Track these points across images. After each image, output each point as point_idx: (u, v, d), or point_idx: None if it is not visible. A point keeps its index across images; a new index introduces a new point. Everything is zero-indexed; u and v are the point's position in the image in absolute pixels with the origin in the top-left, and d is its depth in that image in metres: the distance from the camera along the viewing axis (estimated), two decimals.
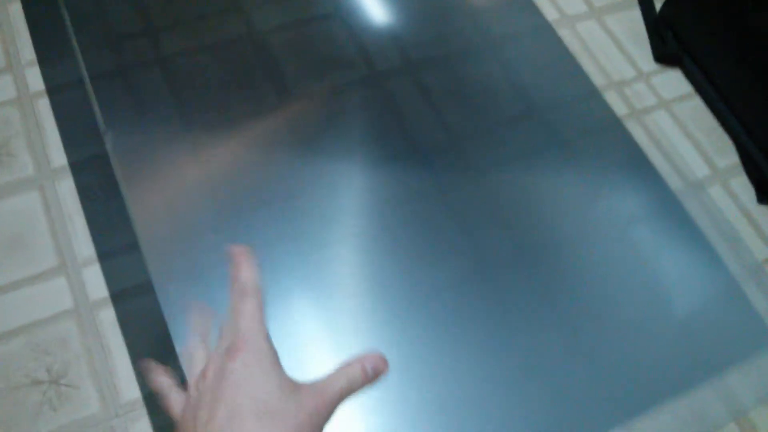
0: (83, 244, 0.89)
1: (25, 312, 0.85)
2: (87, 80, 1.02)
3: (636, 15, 1.19)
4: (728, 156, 1.07)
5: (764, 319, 0.94)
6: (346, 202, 0.97)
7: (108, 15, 1.09)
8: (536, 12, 1.17)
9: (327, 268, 0.91)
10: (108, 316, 0.85)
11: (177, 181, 0.96)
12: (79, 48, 1.05)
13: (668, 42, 1.14)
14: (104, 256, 0.89)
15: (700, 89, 1.12)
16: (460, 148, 1.03)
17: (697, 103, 1.11)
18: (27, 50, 1.04)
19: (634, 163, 1.05)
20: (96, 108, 1.00)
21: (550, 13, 1.17)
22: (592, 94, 1.10)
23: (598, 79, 1.11)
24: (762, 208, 1.03)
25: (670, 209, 1.01)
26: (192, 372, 0.50)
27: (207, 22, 1.10)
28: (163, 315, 0.85)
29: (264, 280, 0.89)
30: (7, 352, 0.82)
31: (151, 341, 0.84)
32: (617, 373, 0.88)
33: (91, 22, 1.08)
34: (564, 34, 1.15)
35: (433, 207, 0.98)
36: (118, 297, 0.86)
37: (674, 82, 1.13)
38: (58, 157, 0.96)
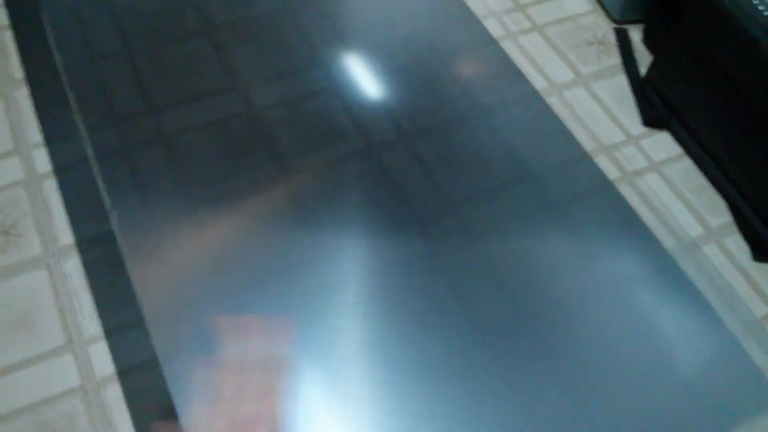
0: (90, 321, 0.91)
1: (32, 390, 0.85)
2: (92, 160, 1.05)
3: (622, 81, 1.23)
4: (721, 215, 1.09)
5: (766, 375, 0.95)
6: (345, 272, 0.99)
7: (111, 96, 1.13)
8: (524, 81, 1.21)
9: (327, 338, 0.92)
10: (114, 392, 0.86)
11: (180, 255, 0.98)
12: (84, 129, 1.08)
13: (655, 106, 1.18)
14: (110, 332, 0.90)
15: (689, 150, 1.15)
16: (455, 214, 1.05)
17: (687, 164, 1.14)
18: (33, 133, 1.08)
19: (628, 225, 1.07)
20: (101, 187, 1.03)
21: (537, 82, 1.21)
22: (583, 159, 1.13)
23: (588, 144, 1.14)
24: (758, 265, 1.05)
25: (666, 269, 1.03)
26: None
27: (206, 100, 1.14)
28: (168, 390, 0.85)
29: (266, 350, 0.90)
30: (14, 430, 0.83)
31: (156, 416, 0.85)
32: None
33: (95, 104, 1.12)
34: (552, 101, 1.19)
35: (430, 274, 0.99)
36: (124, 373, 0.87)
37: (663, 144, 1.16)
38: (65, 235, 0.98)
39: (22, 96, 1.11)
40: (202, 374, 0.87)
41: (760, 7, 0.97)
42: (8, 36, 1.19)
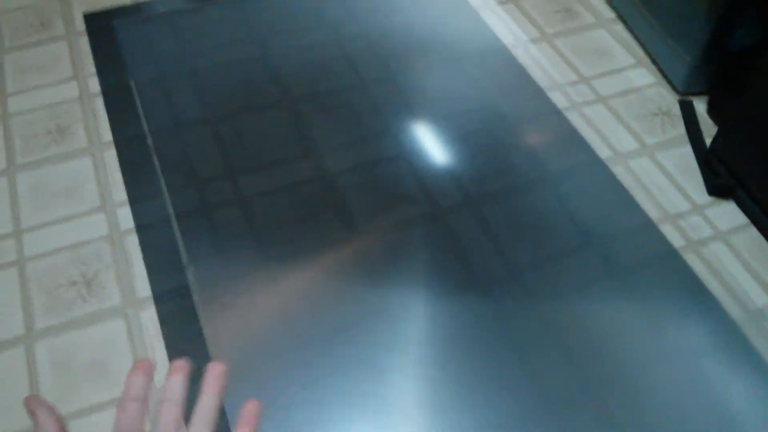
0: (161, 371, 0.95)
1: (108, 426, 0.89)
2: (173, 218, 1.11)
3: (687, 150, 1.24)
4: None
5: None
6: (409, 332, 1.00)
7: (193, 160, 1.20)
8: (589, 150, 1.23)
9: (390, 396, 0.94)
10: None
11: (250, 311, 1.02)
12: (166, 189, 1.15)
13: (721, 175, 1.18)
14: None
15: (755, 220, 1.14)
16: (519, 280, 1.06)
17: (753, 234, 1.13)
18: (119, 191, 1.15)
19: (694, 294, 1.06)
20: (180, 244, 1.08)
21: (602, 152, 1.23)
22: (648, 227, 1.13)
23: (653, 213, 1.15)
24: None
25: (733, 339, 1.02)
26: None
27: (282, 165, 1.20)
28: None
29: (330, 405, 0.92)
30: None
31: None
32: None
33: (177, 166, 1.19)
34: (617, 170, 1.20)
35: (493, 338, 1.00)
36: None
37: (729, 213, 1.16)
38: (143, 288, 1.03)
39: (111, 157, 1.19)
40: (265, 426, 0.89)
41: None
42: (99, 102, 1.28)
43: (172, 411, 0.48)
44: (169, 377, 0.49)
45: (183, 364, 0.50)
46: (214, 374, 0.50)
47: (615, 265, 1.09)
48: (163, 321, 1.00)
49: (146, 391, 0.48)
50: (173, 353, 0.96)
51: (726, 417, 0.94)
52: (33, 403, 0.46)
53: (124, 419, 0.45)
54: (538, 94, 1.33)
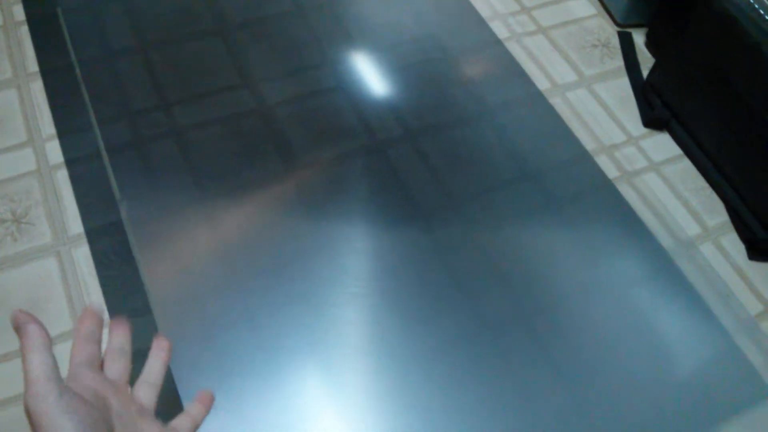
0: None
1: None
2: (104, 152, 1.08)
3: (624, 83, 1.25)
4: (718, 215, 1.11)
5: (761, 373, 0.96)
6: (350, 265, 1.01)
7: (124, 90, 1.16)
8: (528, 82, 1.23)
9: (331, 329, 0.95)
10: None
11: (187, 246, 1.00)
12: (96, 122, 1.11)
13: (656, 107, 1.19)
14: None
15: (688, 152, 1.17)
16: (458, 211, 1.07)
17: (686, 165, 1.16)
18: (47, 125, 1.11)
19: (627, 224, 1.08)
20: (112, 179, 1.05)
21: (541, 83, 1.23)
22: (584, 158, 1.15)
23: (589, 144, 1.16)
24: (753, 263, 1.06)
25: (664, 268, 1.05)
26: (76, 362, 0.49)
27: (218, 96, 1.17)
28: (173, 377, 0.88)
29: (271, 340, 0.92)
30: None
31: (160, 401, 0.87)
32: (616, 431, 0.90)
33: (108, 98, 1.15)
34: (555, 102, 1.21)
35: (433, 268, 1.01)
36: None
37: (663, 145, 1.18)
38: (75, 225, 1.01)
39: (37, 89, 1.14)
40: (206, 361, 0.89)
41: (764, 14, 0.99)
42: (24, 30, 1.22)
43: (122, 360, 0.49)
44: (113, 331, 0.51)
45: (124, 321, 0.54)
46: (161, 346, 0.55)
47: (551, 196, 1.10)
48: (97, 259, 0.98)
49: (99, 334, 0.48)
50: (108, 292, 0.95)
51: (656, 344, 0.97)
52: (22, 318, 0.44)
53: (80, 353, 0.46)
54: (479, 23, 1.32)
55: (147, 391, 0.51)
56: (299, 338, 0.93)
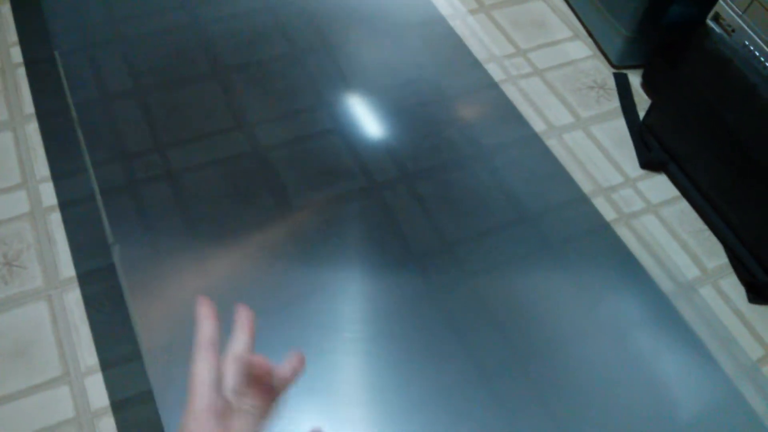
0: (87, 354, 0.92)
1: (28, 420, 0.86)
2: (98, 195, 1.07)
3: (621, 124, 1.25)
4: (717, 257, 1.10)
5: (763, 419, 0.94)
6: (344, 309, 0.99)
7: (120, 133, 1.16)
8: (524, 124, 1.23)
9: (326, 376, 0.93)
10: (108, 424, 0.86)
11: (180, 291, 0.99)
12: (91, 164, 1.11)
13: (653, 149, 1.19)
14: (107, 365, 0.91)
15: (686, 193, 1.16)
16: (453, 254, 1.06)
17: (683, 207, 1.15)
18: (41, 167, 1.10)
19: (625, 266, 1.07)
20: (105, 222, 1.05)
21: (537, 125, 1.23)
22: (581, 200, 1.14)
23: (586, 186, 1.15)
24: (754, 307, 1.05)
25: (663, 311, 1.03)
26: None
27: (213, 139, 1.17)
28: (161, 423, 0.86)
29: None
30: None
31: None
32: None
33: (103, 140, 1.14)
34: (552, 144, 1.20)
35: (428, 312, 1.00)
36: (118, 406, 0.88)
37: (660, 186, 1.17)
38: (67, 269, 1.00)
39: (33, 130, 1.14)
40: None
41: (759, 56, 0.99)
42: (21, 72, 1.22)
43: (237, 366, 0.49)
44: (235, 334, 0.50)
45: (250, 322, 0.53)
46: (243, 317, 0.54)
47: (548, 239, 1.09)
48: (88, 303, 0.97)
49: (217, 335, 0.48)
50: (98, 336, 0.94)
51: (656, 389, 0.95)
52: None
53: (202, 366, 0.47)
54: (475, 66, 1.32)
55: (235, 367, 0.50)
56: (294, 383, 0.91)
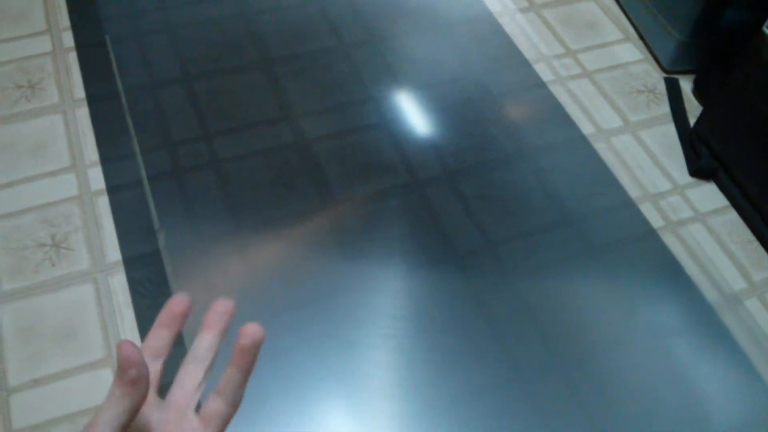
0: (130, 337, 0.93)
1: (72, 401, 0.88)
2: (145, 181, 1.09)
3: (670, 130, 1.23)
4: (765, 269, 1.08)
5: None
6: (382, 304, 0.99)
7: (168, 121, 1.17)
8: (572, 125, 1.22)
9: (361, 370, 0.93)
10: None
11: (221, 278, 1.00)
12: (139, 150, 1.12)
13: (703, 156, 1.17)
14: None
15: (735, 203, 1.14)
16: (495, 254, 1.05)
17: (732, 217, 1.13)
18: (91, 151, 1.12)
19: (670, 275, 1.06)
20: (152, 207, 1.06)
21: (585, 127, 1.22)
22: (628, 205, 1.12)
23: (633, 191, 1.14)
24: None
25: (707, 322, 1.02)
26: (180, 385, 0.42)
27: (258, 129, 1.17)
28: None
29: (300, 380, 0.91)
30: None
31: None
32: None
33: (151, 127, 1.16)
34: (599, 147, 1.19)
35: (467, 311, 1.00)
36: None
37: (709, 195, 1.15)
38: (113, 252, 1.01)
39: (83, 115, 1.16)
40: None
41: None
42: (73, 57, 1.24)
43: (196, 371, 0.40)
44: (201, 334, 0.42)
45: (219, 320, 0.43)
46: (218, 311, 0.43)
47: (592, 243, 1.08)
48: (133, 287, 0.98)
49: (168, 348, 0.41)
50: (142, 320, 0.95)
51: (697, 401, 0.94)
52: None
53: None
54: (523, 65, 1.31)
55: (196, 370, 0.42)
56: (328, 377, 0.92)
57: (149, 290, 0.98)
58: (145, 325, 0.94)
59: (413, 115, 1.22)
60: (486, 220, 1.09)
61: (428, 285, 1.02)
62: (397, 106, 1.22)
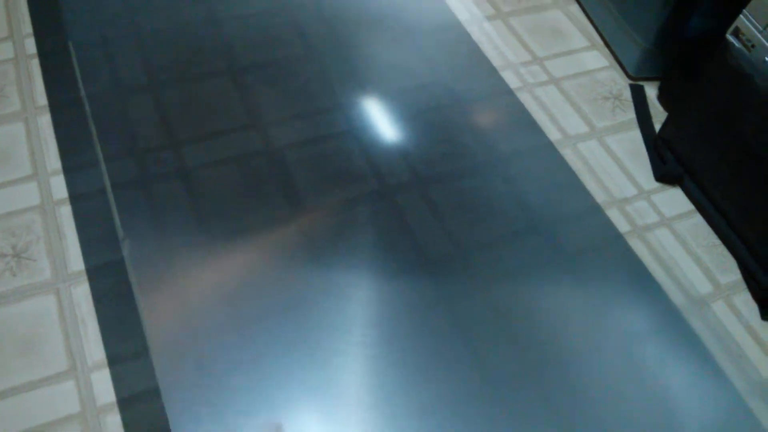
0: (94, 349, 0.91)
1: (33, 414, 0.86)
2: (109, 189, 1.07)
3: (636, 135, 1.24)
4: (731, 273, 1.09)
5: None
6: (354, 312, 0.99)
7: (133, 129, 1.15)
8: (539, 132, 1.22)
9: (334, 378, 0.92)
10: (113, 420, 0.86)
11: (189, 288, 0.98)
12: (103, 158, 1.10)
13: (668, 162, 1.18)
14: (114, 361, 0.90)
15: (700, 207, 1.15)
16: (465, 261, 1.05)
17: (698, 221, 1.14)
18: (53, 159, 1.10)
19: (637, 279, 1.06)
20: (116, 216, 1.04)
21: (552, 134, 1.22)
22: (595, 211, 1.13)
23: (600, 197, 1.15)
24: (766, 324, 1.04)
25: (674, 325, 1.02)
26: None
27: (226, 137, 1.16)
28: (168, 422, 0.85)
29: (272, 387, 0.90)
30: None
31: None
32: None
33: (116, 135, 1.14)
34: (566, 153, 1.20)
35: (438, 318, 0.99)
36: (124, 402, 0.87)
37: (675, 200, 1.16)
38: (76, 262, 0.99)
39: (45, 122, 1.14)
40: (202, 406, 0.87)
41: None
42: (35, 64, 1.22)
43: None
44: None
45: None
46: None
47: (560, 249, 1.08)
48: (97, 297, 0.96)
49: None
50: (106, 331, 0.93)
51: (666, 403, 0.95)
52: None
53: None
54: (490, 72, 1.31)
55: None
56: (300, 386, 0.91)
57: (113, 301, 0.96)
58: (109, 336, 0.92)
59: (382, 122, 1.21)
60: (455, 227, 1.09)
61: (399, 292, 1.01)
62: (367, 114, 1.22)
